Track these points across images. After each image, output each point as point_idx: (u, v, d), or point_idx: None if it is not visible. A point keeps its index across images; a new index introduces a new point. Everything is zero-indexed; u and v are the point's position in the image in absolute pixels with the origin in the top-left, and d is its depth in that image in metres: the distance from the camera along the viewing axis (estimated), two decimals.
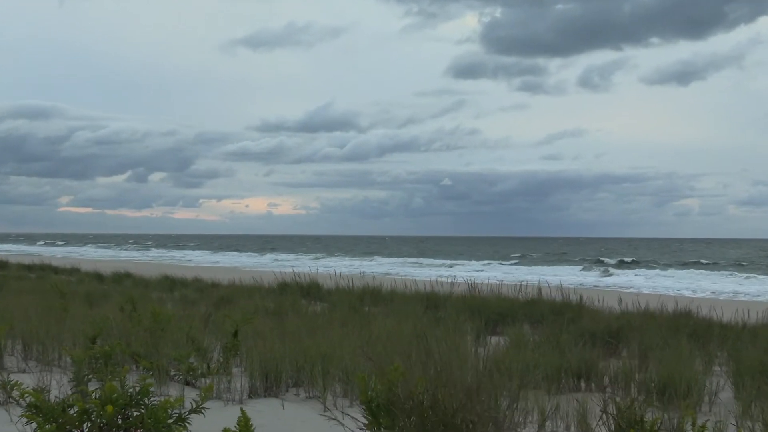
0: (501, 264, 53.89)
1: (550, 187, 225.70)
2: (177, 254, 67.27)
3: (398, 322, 8.68)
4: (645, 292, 25.80)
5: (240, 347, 6.87)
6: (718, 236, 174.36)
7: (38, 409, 3.47)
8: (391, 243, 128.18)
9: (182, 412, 3.62)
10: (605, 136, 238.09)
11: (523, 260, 60.49)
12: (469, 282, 14.36)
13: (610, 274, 39.80)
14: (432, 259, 59.77)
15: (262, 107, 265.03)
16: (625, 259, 58.94)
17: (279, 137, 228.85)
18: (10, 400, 5.16)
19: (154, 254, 67.64)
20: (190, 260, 55.18)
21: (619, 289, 26.48)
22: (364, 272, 17.86)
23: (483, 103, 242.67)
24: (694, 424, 3.84)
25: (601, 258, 61.42)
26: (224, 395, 6.08)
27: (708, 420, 4.29)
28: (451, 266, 47.82)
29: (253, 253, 74.10)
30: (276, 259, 58.18)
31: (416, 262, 54.04)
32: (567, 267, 48.81)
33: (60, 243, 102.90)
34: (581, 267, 48.76)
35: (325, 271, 22.96)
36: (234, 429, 3.42)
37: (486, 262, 56.57)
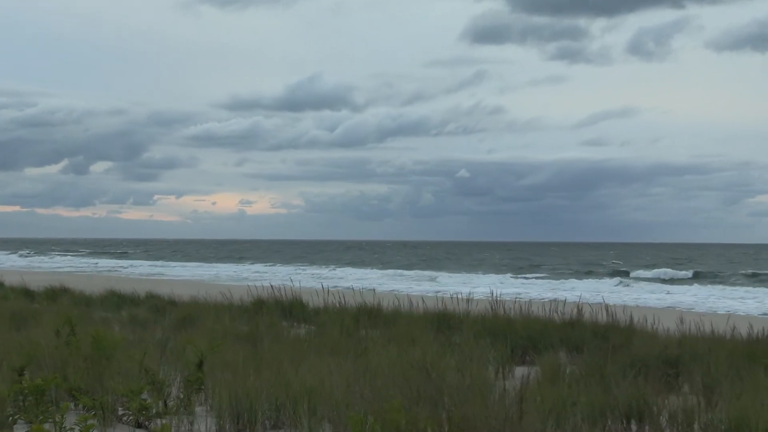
0: (531, 278, 53.88)
1: (593, 179, 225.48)
2: (125, 263, 67.45)
3: (402, 349, 8.70)
4: (712, 311, 25.81)
5: (205, 380, 6.88)
6: None
7: None
8: (393, 249, 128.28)
9: None
10: (661, 117, 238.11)
11: (557, 270, 60.54)
12: (491, 299, 14.37)
13: (663, 289, 39.83)
14: (441, 272, 59.82)
15: (231, 80, 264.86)
16: (686, 271, 58.99)
17: (253, 117, 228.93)
18: None
19: (83, 263, 67.72)
20: (141, 271, 55.26)
21: (678, 308, 26.51)
22: (361, 288, 17.89)
23: (509, 74, 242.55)
24: None
25: (654, 268, 61.45)
26: None
27: None
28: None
29: (221, 263, 74.20)
30: (253, 271, 58.22)
31: (413, 275, 54.08)
32: (612, 280, 48.85)
33: None
34: (629, 279, 48.77)
35: (299, 283, 23.02)
36: None
37: (514, 275, 56.57)
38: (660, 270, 59.39)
